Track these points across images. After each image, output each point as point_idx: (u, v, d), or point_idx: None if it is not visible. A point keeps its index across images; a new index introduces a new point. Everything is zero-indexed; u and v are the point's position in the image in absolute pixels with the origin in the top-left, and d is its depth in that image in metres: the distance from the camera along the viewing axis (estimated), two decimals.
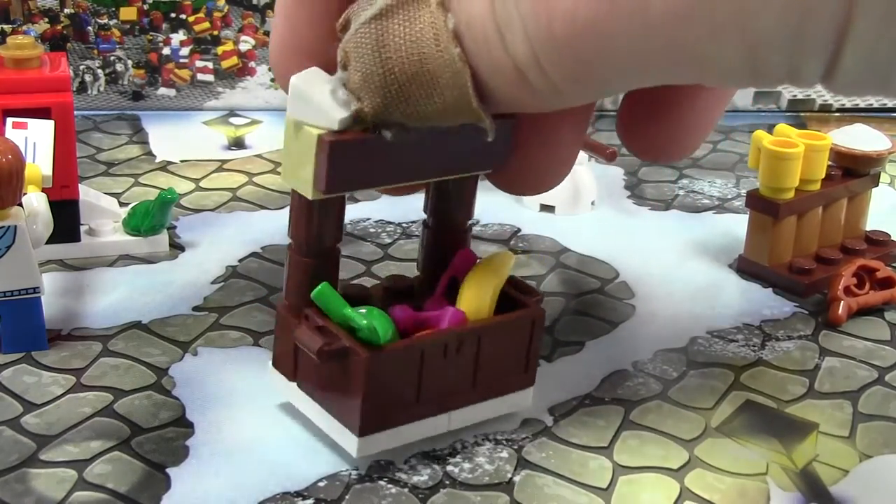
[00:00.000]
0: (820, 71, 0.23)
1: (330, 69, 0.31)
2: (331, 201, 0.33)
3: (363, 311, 0.34)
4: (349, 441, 0.35)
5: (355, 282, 0.39)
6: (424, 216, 0.38)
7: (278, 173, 0.60)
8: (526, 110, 0.28)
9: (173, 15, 0.68)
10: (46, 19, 0.66)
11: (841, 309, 0.46)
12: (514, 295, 0.37)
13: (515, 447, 0.37)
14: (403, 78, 0.28)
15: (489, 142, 0.30)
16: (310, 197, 0.32)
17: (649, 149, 0.34)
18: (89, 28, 0.67)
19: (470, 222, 0.38)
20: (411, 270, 0.49)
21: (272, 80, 0.69)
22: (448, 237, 0.38)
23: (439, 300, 0.37)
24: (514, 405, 0.37)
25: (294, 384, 0.36)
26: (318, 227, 0.34)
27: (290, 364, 0.36)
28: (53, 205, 0.41)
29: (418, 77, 0.28)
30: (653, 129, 0.33)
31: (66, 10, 0.66)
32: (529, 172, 0.34)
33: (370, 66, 0.28)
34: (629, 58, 0.24)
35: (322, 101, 0.30)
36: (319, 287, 0.34)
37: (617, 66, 0.25)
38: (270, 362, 0.37)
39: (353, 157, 0.31)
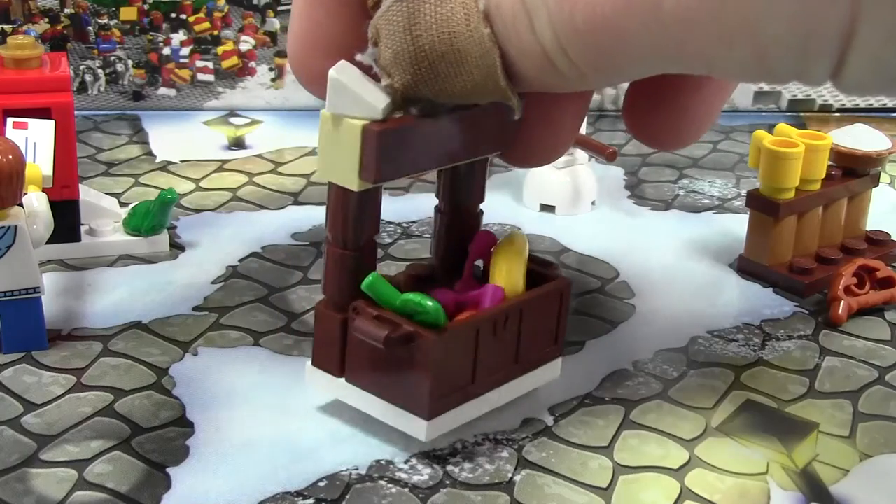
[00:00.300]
0: (827, 73, 0.23)
1: (352, 61, 0.31)
2: (370, 193, 0.34)
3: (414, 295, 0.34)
4: (416, 426, 0.35)
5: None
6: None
7: (279, 173, 0.60)
8: (552, 90, 0.29)
9: (173, 15, 0.68)
10: (47, 19, 0.66)
11: (841, 308, 0.46)
12: (535, 269, 0.38)
13: (516, 447, 0.37)
14: (434, 56, 0.29)
15: (506, 122, 0.31)
16: (355, 189, 0.33)
17: (654, 136, 0.35)
18: (89, 28, 0.67)
19: (481, 206, 0.39)
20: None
21: (272, 79, 0.69)
22: (461, 221, 0.38)
23: (468, 281, 0.38)
24: (548, 376, 0.39)
25: (341, 380, 0.36)
26: (356, 220, 0.34)
27: (335, 360, 0.36)
28: (53, 205, 0.41)
29: (448, 55, 0.28)
30: (658, 117, 0.34)
31: (67, 10, 0.66)
32: (533, 147, 0.35)
33: (401, 43, 0.29)
34: (645, 52, 0.25)
35: (363, 92, 0.31)
36: (370, 277, 0.34)
37: (634, 59, 0.26)
38: (309, 362, 0.37)
39: (397, 145, 0.32)
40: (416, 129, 0.32)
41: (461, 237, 0.38)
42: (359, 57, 0.31)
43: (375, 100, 0.31)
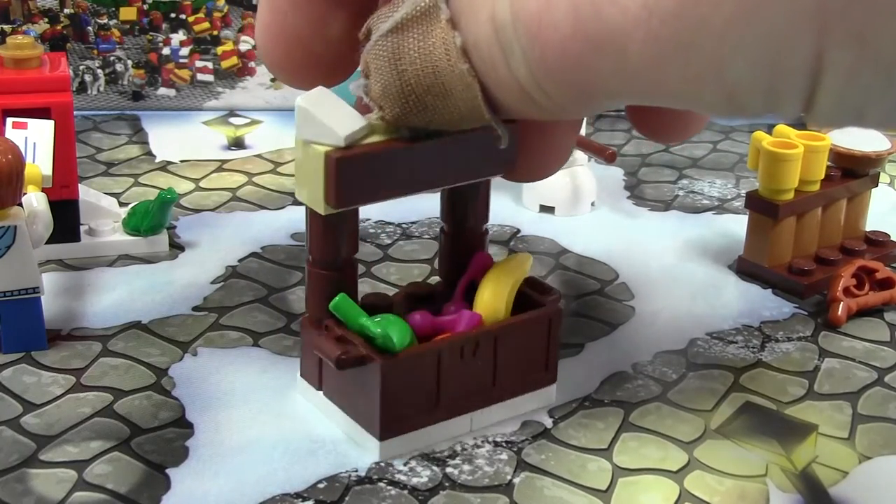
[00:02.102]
0: (798, 109, 0.23)
1: (315, 54, 0.32)
2: (344, 215, 0.34)
3: (379, 319, 0.34)
4: (372, 445, 0.35)
5: (369, 291, 0.40)
6: (428, 209, 0.38)
7: (278, 173, 0.60)
8: (536, 119, 0.29)
9: (173, 15, 0.68)
10: (46, 19, 0.66)
11: (840, 310, 0.46)
12: (530, 294, 0.38)
13: (515, 449, 0.37)
14: (420, 89, 0.29)
15: (499, 148, 0.32)
16: (321, 212, 0.33)
17: (656, 129, 0.35)
18: (89, 28, 0.67)
19: (486, 226, 0.39)
20: (412, 271, 0.49)
21: (272, 79, 0.69)
22: (465, 242, 0.39)
23: (459, 303, 0.38)
24: (538, 403, 0.38)
25: (320, 392, 0.38)
26: (333, 241, 0.35)
27: (315, 374, 0.38)
28: (53, 205, 0.41)
29: (433, 88, 0.29)
30: (659, 110, 0.34)
31: (66, 10, 0.66)
32: (530, 162, 0.35)
33: (388, 77, 0.29)
34: (618, 90, 0.25)
35: (327, 120, 0.32)
36: (336, 298, 0.35)
37: (609, 95, 0.26)
38: (298, 373, 0.39)
39: (360, 172, 0.32)
40: (382, 156, 0.32)
41: (464, 258, 0.38)
42: (351, 87, 0.31)
43: (339, 127, 0.32)
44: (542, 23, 0.25)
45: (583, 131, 0.52)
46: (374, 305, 0.37)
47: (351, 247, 0.36)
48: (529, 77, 0.26)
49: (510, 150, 0.34)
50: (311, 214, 0.34)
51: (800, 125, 0.51)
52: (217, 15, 0.68)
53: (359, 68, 0.31)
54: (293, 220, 0.54)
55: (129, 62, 0.67)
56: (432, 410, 0.36)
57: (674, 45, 0.23)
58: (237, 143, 0.64)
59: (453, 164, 0.34)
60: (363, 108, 0.32)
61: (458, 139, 0.32)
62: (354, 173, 0.32)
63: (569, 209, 0.56)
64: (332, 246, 0.35)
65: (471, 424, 0.37)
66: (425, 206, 0.54)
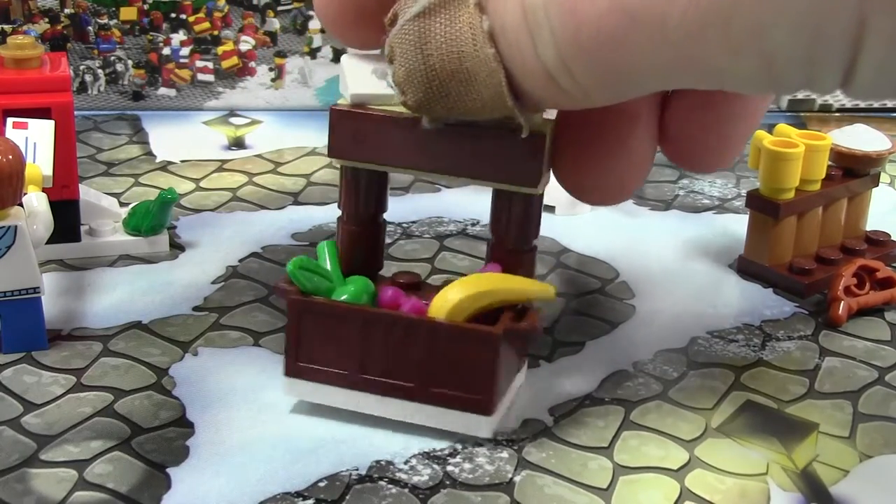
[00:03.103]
0: (838, 80, 0.23)
1: (368, 12, 0.32)
2: (368, 174, 0.37)
3: (353, 278, 0.37)
4: (280, 383, 0.38)
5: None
6: (428, 209, 0.38)
7: (278, 173, 0.60)
8: (558, 108, 0.29)
9: (173, 15, 0.68)
10: (46, 19, 0.66)
11: (841, 309, 0.46)
12: (509, 320, 0.36)
13: (515, 447, 0.37)
14: (444, 74, 0.29)
15: (517, 156, 0.32)
16: (327, 156, 0.36)
17: (692, 157, 0.35)
18: (89, 28, 0.67)
19: (534, 242, 0.37)
20: (412, 270, 0.49)
21: (272, 79, 0.69)
22: (505, 256, 0.37)
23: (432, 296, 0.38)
24: (469, 428, 0.36)
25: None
26: (355, 197, 0.38)
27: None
28: (53, 205, 0.41)
29: (457, 74, 0.29)
30: (697, 141, 0.34)
31: (67, 10, 0.66)
32: (607, 182, 0.35)
33: (413, 61, 0.30)
34: (651, 67, 0.25)
35: (350, 79, 0.35)
36: (325, 242, 0.38)
37: (640, 74, 0.26)
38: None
39: (355, 130, 0.35)
40: (379, 121, 0.34)
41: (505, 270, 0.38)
42: (372, 70, 0.32)
43: (354, 86, 0.34)
44: None
45: None
46: (407, 283, 0.38)
47: (376, 205, 0.38)
48: (557, 60, 0.26)
49: (533, 165, 0.34)
50: (342, 171, 0.37)
51: (800, 125, 0.51)
52: (217, 15, 0.68)
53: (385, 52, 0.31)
54: (294, 220, 0.54)
55: (130, 62, 0.67)
56: (355, 377, 0.36)
57: (716, 11, 0.23)
58: (237, 143, 0.64)
59: (460, 156, 0.34)
60: None
61: (472, 132, 0.33)
62: (348, 129, 0.35)
63: (569, 208, 0.56)
64: (356, 202, 0.38)
65: (396, 412, 0.37)
66: (426, 205, 0.54)
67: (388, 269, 0.49)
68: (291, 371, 0.37)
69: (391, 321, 0.36)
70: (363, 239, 0.38)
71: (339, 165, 0.37)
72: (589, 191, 0.35)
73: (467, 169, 0.35)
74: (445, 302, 0.35)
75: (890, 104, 0.75)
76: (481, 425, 0.36)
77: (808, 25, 0.22)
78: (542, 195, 0.37)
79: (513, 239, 0.37)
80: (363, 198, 0.38)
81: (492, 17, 0.28)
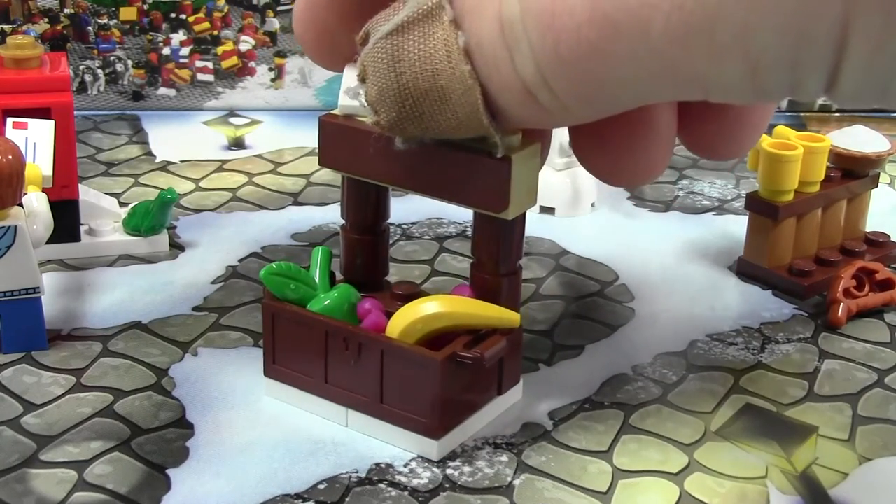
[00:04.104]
0: (822, 84, 0.23)
1: (342, 45, 0.32)
2: (364, 183, 0.36)
3: (339, 286, 0.38)
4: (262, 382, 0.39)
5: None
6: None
7: (278, 173, 0.60)
8: (536, 126, 0.29)
9: (173, 15, 0.67)
10: (46, 19, 0.66)
11: (840, 311, 0.46)
12: (461, 346, 0.35)
13: (515, 451, 0.37)
14: (417, 93, 0.29)
15: (485, 179, 0.32)
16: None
17: (711, 147, 0.34)
18: (89, 28, 0.67)
19: (519, 264, 0.37)
20: (412, 271, 0.49)
21: (272, 79, 0.69)
22: (484, 279, 0.37)
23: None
24: (420, 449, 0.36)
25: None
26: (355, 206, 0.38)
27: None
28: (53, 205, 0.41)
29: (431, 93, 0.28)
30: (713, 127, 0.33)
31: (66, 10, 0.66)
32: (634, 163, 0.33)
33: (386, 80, 0.29)
34: (633, 78, 0.25)
35: (344, 88, 0.35)
36: (320, 248, 0.38)
37: (622, 86, 0.25)
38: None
39: (340, 140, 0.35)
40: (359, 134, 0.34)
41: (483, 295, 0.37)
42: (345, 90, 0.32)
43: (342, 98, 0.34)
44: (557, 10, 0.24)
45: None
46: (405, 294, 0.38)
47: (377, 213, 0.38)
48: (536, 74, 0.26)
49: (500, 189, 0.33)
50: (343, 179, 0.38)
51: (799, 125, 0.51)
52: (217, 15, 0.68)
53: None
54: (293, 220, 0.54)
55: (130, 62, 0.67)
56: (320, 384, 0.37)
57: (701, 14, 0.22)
58: (237, 143, 0.64)
59: (432, 174, 0.34)
60: None
61: (446, 154, 0.32)
62: (334, 139, 0.36)
63: (569, 210, 0.56)
64: (357, 210, 0.38)
65: (346, 420, 0.37)
66: (425, 206, 0.54)
67: (389, 269, 0.49)
68: (269, 372, 0.39)
69: (348, 335, 0.36)
70: (365, 247, 0.39)
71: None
72: (617, 173, 0.34)
73: (438, 188, 0.35)
74: (401, 321, 0.35)
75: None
76: (430, 448, 0.36)
77: (794, 27, 0.22)
78: (523, 217, 0.36)
79: (493, 262, 0.36)
80: (364, 206, 0.38)
81: (468, 33, 0.27)
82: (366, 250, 0.39)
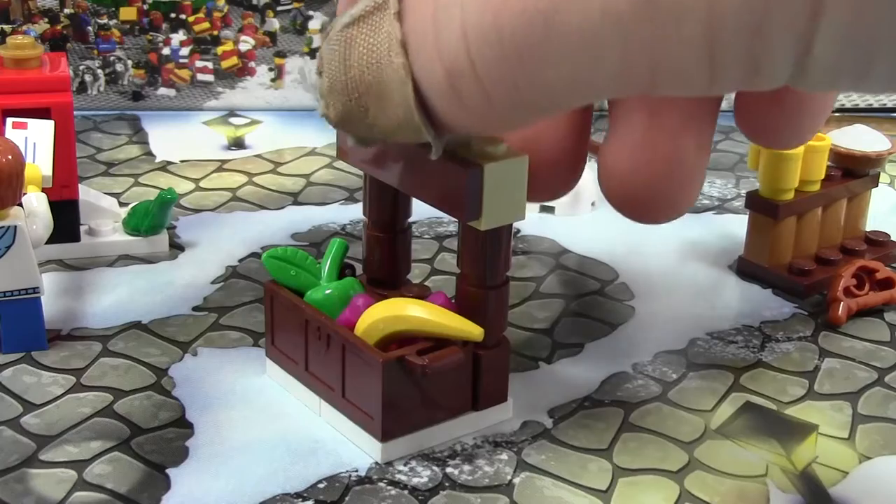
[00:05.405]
0: (791, 58, 0.20)
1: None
2: (382, 182, 0.36)
3: (342, 280, 0.38)
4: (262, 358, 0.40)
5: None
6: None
7: (278, 173, 0.60)
8: (463, 129, 0.27)
9: (173, 15, 0.68)
10: (46, 19, 0.66)
11: (840, 310, 0.46)
12: (413, 351, 0.35)
13: (515, 449, 0.37)
14: (362, 87, 0.28)
15: (459, 185, 0.32)
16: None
17: (771, 134, 0.31)
18: (89, 28, 0.67)
19: (506, 276, 0.36)
20: (412, 271, 0.49)
21: (272, 79, 0.69)
22: (468, 291, 0.36)
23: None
24: (366, 446, 0.36)
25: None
26: (377, 203, 0.38)
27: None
28: (53, 205, 0.41)
29: (374, 87, 0.27)
30: (773, 114, 0.30)
31: (66, 11, 0.66)
32: (657, 199, 0.31)
33: (336, 72, 0.28)
34: (578, 57, 0.23)
35: None
36: (337, 240, 0.39)
37: (561, 69, 0.23)
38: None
39: (345, 135, 0.35)
40: None
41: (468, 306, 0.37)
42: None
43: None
44: None
45: None
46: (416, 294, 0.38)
47: (397, 211, 0.38)
48: (461, 50, 0.24)
49: (473, 197, 0.33)
50: (364, 177, 0.38)
51: None
52: (217, 15, 0.68)
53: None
54: (293, 220, 0.54)
55: (129, 62, 0.67)
56: (302, 370, 0.38)
57: None
58: (237, 143, 0.64)
59: (414, 175, 0.34)
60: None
61: (421, 155, 0.31)
62: (343, 134, 0.35)
63: (569, 209, 0.56)
64: (377, 207, 0.38)
65: (320, 410, 0.38)
66: (425, 206, 0.54)
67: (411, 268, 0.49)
68: (269, 352, 0.40)
69: (321, 325, 0.37)
70: (386, 244, 0.39)
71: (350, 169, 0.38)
72: (639, 212, 0.31)
73: (420, 190, 0.35)
74: (366, 319, 0.36)
75: (890, 104, 0.75)
76: (375, 449, 0.36)
77: None
78: (509, 229, 0.35)
79: (477, 274, 0.35)
80: (384, 203, 0.38)
81: (405, 23, 0.26)
82: (387, 247, 0.39)
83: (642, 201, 0.31)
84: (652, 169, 0.30)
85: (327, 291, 0.37)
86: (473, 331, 0.35)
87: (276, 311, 0.39)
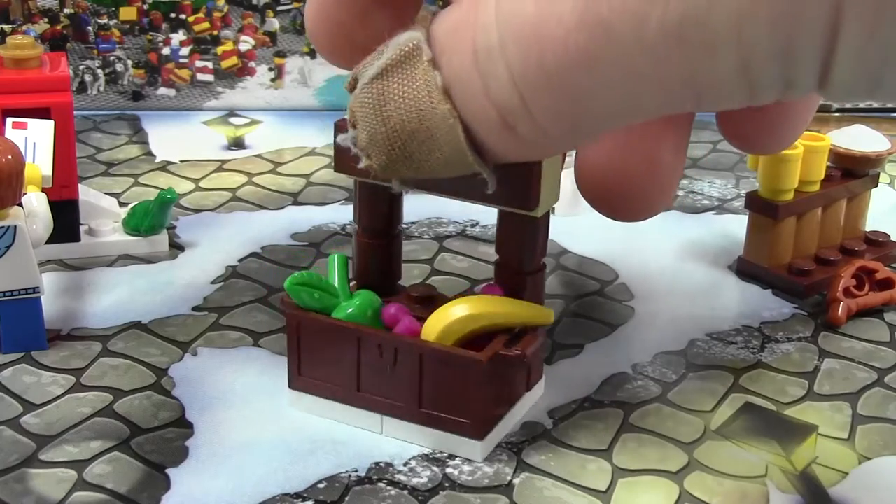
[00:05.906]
0: (815, 77, 0.23)
1: (357, 41, 0.31)
2: (377, 187, 0.36)
3: (360, 292, 0.37)
4: (284, 392, 0.38)
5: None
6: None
7: (278, 173, 0.60)
8: (518, 160, 0.28)
9: (173, 15, 0.68)
10: (46, 19, 0.66)
11: (840, 310, 0.46)
12: (500, 346, 0.35)
13: (515, 449, 0.37)
14: (405, 135, 0.28)
15: (512, 176, 0.32)
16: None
17: (751, 140, 0.33)
18: (89, 28, 0.67)
19: (543, 261, 0.37)
20: (412, 271, 0.49)
21: (272, 79, 0.69)
22: (510, 278, 0.37)
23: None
24: (463, 450, 0.36)
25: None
26: (369, 209, 0.38)
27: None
28: (53, 205, 0.41)
29: (418, 134, 0.28)
30: (754, 119, 0.32)
31: (66, 10, 0.66)
32: (632, 197, 0.32)
33: (374, 125, 0.29)
34: (622, 86, 0.24)
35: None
36: (337, 256, 0.38)
37: (609, 98, 0.25)
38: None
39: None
40: None
41: (510, 292, 0.37)
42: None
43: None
44: (543, 19, 0.24)
45: None
46: (422, 297, 0.38)
47: (389, 217, 0.38)
48: (512, 98, 0.25)
49: (529, 186, 0.34)
50: (355, 183, 0.38)
51: None
52: (217, 15, 0.68)
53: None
54: (293, 220, 0.54)
55: (129, 62, 0.67)
56: (351, 393, 0.37)
57: (695, 2, 0.22)
58: (237, 143, 0.64)
59: (463, 180, 0.34)
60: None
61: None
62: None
63: (569, 209, 0.55)
64: (369, 214, 0.38)
65: (381, 427, 0.37)
66: (425, 206, 0.54)
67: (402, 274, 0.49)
68: (294, 384, 0.38)
69: (383, 341, 0.36)
70: (378, 251, 0.39)
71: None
72: (614, 209, 0.33)
73: (466, 191, 0.34)
74: (437, 324, 0.35)
75: (889, 104, 0.75)
76: (473, 449, 0.36)
77: (787, 13, 0.22)
78: (547, 215, 0.36)
79: (518, 260, 0.37)
80: (376, 210, 0.38)
81: (444, 70, 0.27)
82: (379, 254, 0.39)
83: (618, 199, 0.32)
84: (629, 167, 0.31)
85: (350, 310, 0.36)
86: (546, 314, 0.37)
87: (307, 338, 0.37)
